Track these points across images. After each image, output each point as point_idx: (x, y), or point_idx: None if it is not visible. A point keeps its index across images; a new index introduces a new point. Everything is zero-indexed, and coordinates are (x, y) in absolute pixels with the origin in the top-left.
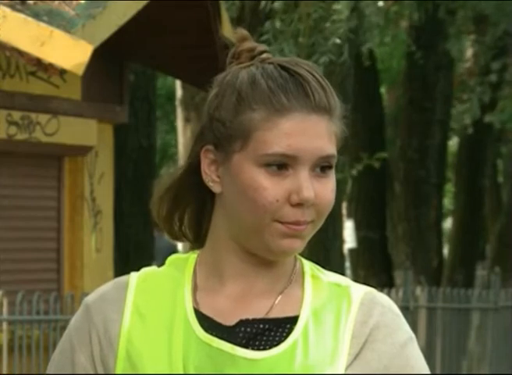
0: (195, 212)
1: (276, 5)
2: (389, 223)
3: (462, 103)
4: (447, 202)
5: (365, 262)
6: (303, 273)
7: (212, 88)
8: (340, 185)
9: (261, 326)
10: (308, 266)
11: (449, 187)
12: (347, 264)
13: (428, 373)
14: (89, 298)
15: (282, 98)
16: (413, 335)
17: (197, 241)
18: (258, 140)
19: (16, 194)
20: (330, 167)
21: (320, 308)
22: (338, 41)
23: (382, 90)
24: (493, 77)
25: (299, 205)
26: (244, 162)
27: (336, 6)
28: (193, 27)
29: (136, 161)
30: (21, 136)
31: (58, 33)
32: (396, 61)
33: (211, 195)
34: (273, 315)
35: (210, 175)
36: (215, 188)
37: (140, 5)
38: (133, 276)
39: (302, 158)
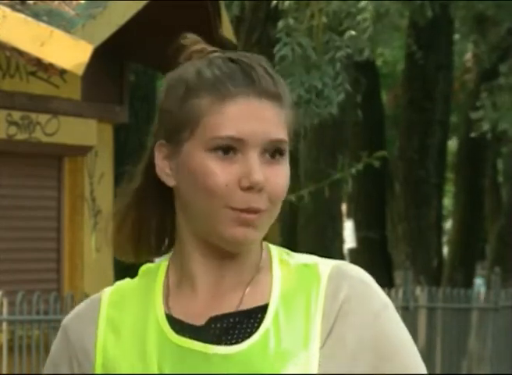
0: (160, 216)
1: (287, 3)
2: (389, 223)
3: (475, 110)
4: (447, 202)
5: (365, 262)
6: (270, 260)
7: (163, 86)
8: (340, 185)
9: (232, 320)
10: (276, 251)
11: (449, 187)
12: None
13: (408, 339)
14: (66, 319)
15: (228, 84)
16: (388, 302)
17: (162, 247)
18: (206, 125)
19: (16, 194)
20: (281, 153)
21: (289, 292)
22: (353, 33)
23: (382, 90)
24: (502, 80)
25: (249, 189)
26: (193, 149)
27: (360, 4)
28: (193, 27)
29: (136, 161)
30: (21, 136)
31: (58, 33)
32: (397, 62)
33: (172, 195)
34: (243, 307)
35: (163, 168)
36: (169, 182)
37: (140, 5)
38: (106, 291)
39: (250, 142)
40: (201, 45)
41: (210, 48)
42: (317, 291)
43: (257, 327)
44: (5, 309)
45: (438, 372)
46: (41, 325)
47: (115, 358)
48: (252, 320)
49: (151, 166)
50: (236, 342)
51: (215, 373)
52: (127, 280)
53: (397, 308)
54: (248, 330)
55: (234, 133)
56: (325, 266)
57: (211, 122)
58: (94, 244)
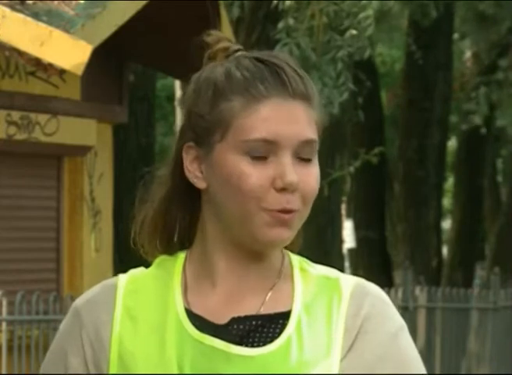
0: (187, 216)
1: (288, 3)
2: (389, 223)
3: (468, 102)
4: (446, 202)
5: (365, 262)
6: (291, 267)
7: (189, 86)
8: (339, 184)
9: (254, 322)
10: (297, 259)
11: (449, 187)
12: (346, 264)
13: (420, 360)
14: (78, 302)
15: (259, 85)
16: (404, 323)
17: (185, 244)
18: (238, 127)
19: (16, 194)
20: (312, 153)
21: (311, 302)
22: (354, 32)
23: (382, 90)
24: (500, 75)
25: (283, 190)
26: (226, 152)
27: (363, 2)
28: (192, 27)
29: (135, 161)
30: (20, 136)
31: (57, 33)
32: (396, 62)
33: (198, 196)
34: (265, 311)
35: (193, 171)
36: (199, 184)
37: (139, 5)
38: (122, 278)
39: (283, 143)
40: (226, 43)
41: (235, 47)
42: (338, 306)
43: (280, 333)
44: (4, 309)
45: (437, 372)
46: (41, 325)
47: (131, 347)
48: (274, 325)
49: (178, 169)
50: (258, 345)
51: (238, 374)
52: (141, 269)
53: (397, 308)
54: (270, 335)
55: (266, 135)
56: (347, 281)
57: (243, 124)
58: (94, 244)
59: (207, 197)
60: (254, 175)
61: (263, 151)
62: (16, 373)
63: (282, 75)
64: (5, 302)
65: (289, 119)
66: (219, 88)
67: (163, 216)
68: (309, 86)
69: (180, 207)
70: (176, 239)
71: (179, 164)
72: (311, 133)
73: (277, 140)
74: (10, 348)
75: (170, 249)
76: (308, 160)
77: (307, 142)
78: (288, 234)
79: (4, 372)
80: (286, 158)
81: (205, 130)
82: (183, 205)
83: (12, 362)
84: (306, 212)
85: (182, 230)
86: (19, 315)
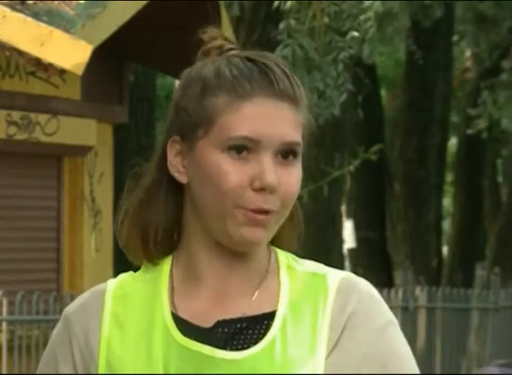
0: (171, 215)
1: (289, 4)
2: (389, 223)
3: (474, 107)
4: (447, 202)
5: (365, 262)
6: (278, 265)
7: (179, 82)
8: (339, 184)
9: (239, 325)
10: (284, 256)
11: (449, 187)
12: (347, 264)
13: (411, 356)
14: (68, 309)
15: (246, 84)
16: (393, 318)
17: (170, 247)
18: (221, 124)
19: (16, 194)
20: (295, 155)
21: (297, 300)
22: (356, 34)
23: (382, 90)
24: (505, 77)
25: (261, 190)
26: (208, 148)
27: (365, 4)
28: (192, 27)
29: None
30: (21, 136)
31: (57, 33)
32: (395, 64)
33: (182, 194)
34: (250, 312)
35: (176, 165)
36: (181, 178)
37: (140, 5)
38: (110, 283)
39: (265, 143)
40: (220, 41)
41: (229, 45)
42: (324, 302)
43: (264, 334)
44: (4, 309)
45: (437, 372)
46: (41, 325)
47: (119, 352)
48: (258, 327)
49: (163, 161)
50: (243, 348)
51: None
52: (130, 273)
53: (397, 308)
54: (254, 337)
55: (248, 133)
56: (334, 277)
57: (226, 121)
58: (94, 244)
59: (188, 192)
60: (234, 174)
61: (244, 149)
62: (16, 373)
63: (270, 75)
64: (5, 302)
65: (273, 120)
66: (207, 84)
67: (145, 210)
68: (297, 88)
69: (163, 202)
70: (158, 240)
71: (163, 157)
72: (295, 135)
73: (259, 139)
74: (10, 348)
75: (151, 249)
76: (290, 161)
77: (291, 144)
78: (263, 235)
79: (4, 372)
80: (267, 158)
81: (190, 125)
82: (165, 200)
83: (12, 362)
84: (285, 213)
85: (164, 230)
86: (19, 315)
